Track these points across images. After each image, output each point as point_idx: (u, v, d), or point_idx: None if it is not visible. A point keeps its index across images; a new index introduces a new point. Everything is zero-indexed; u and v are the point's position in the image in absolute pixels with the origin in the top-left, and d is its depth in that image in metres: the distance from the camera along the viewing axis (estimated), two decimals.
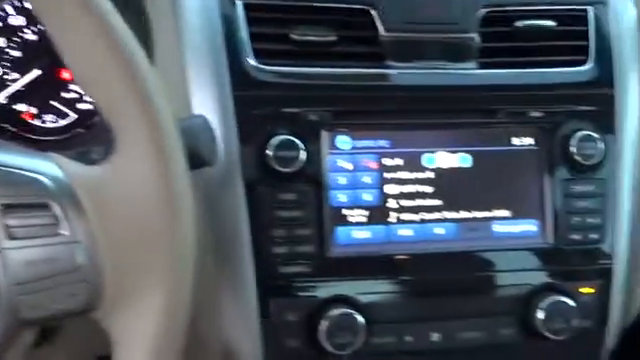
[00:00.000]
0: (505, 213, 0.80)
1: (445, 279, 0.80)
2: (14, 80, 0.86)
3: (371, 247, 0.78)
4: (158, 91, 0.55)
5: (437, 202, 0.79)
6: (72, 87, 0.87)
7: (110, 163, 0.56)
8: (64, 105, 0.87)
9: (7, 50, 0.86)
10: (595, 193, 0.82)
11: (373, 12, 0.79)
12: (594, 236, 0.82)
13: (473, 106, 0.81)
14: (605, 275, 0.83)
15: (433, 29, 0.80)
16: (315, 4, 0.79)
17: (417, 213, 0.79)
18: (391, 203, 0.78)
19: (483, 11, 0.81)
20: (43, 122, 0.87)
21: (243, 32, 0.77)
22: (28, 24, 0.86)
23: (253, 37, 0.77)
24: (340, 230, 0.77)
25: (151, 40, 0.78)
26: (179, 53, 0.77)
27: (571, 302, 0.80)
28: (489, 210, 0.80)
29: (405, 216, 0.79)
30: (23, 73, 0.86)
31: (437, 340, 0.79)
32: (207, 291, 0.76)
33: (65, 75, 0.87)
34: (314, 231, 0.76)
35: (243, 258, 0.75)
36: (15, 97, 0.86)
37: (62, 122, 0.87)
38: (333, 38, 0.78)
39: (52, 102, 0.87)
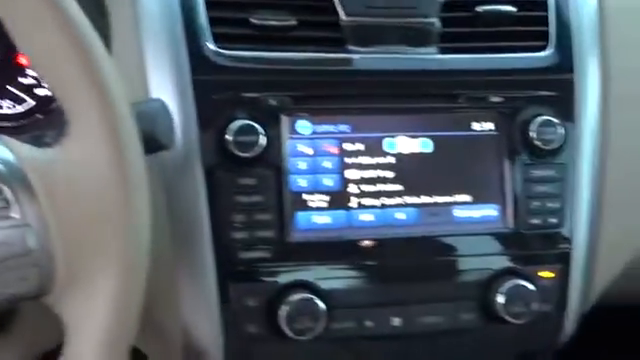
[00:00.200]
0: (466, 198, 0.81)
1: (406, 264, 0.80)
2: None
3: (332, 232, 0.78)
4: (111, 74, 0.55)
5: (398, 187, 0.79)
6: (30, 73, 0.86)
7: (62, 146, 0.55)
8: (21, 91, 0.85)
9: None
10: (555, 178, 0.83)
11: None
12: (553, 220, 0.83)
13: (434, 91, 0.81)
14: (564, 259, 0.84)
15: (393, 14, 0.80)
16: None
17: (378, 198, 0.79)
18: (352, 188, 0.78)
19: None
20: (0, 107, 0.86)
21: (202, 16, 0.76)
22: None
23: (212, 21, 0.76)
24: (300, 215, 0.77)
25: (108, 24, 0.77)
26: (137, 37, 0.76)
27: (531, 286, 0.80)
28: (450, 195, 0.80)
29: (366, 201, 0.79)
30: None
31: (398, 325, 0.79)
32: (166, 277, 0.75)
33: (22, 61, 0.85)
34: (274, 216, 0.76)
35: (202, 243, 0.75)
36: None
37: (19, 108, 0.86)
38: (293, 22, 0.78)
39: (9, 87, 0.85)
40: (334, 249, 0.78)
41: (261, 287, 0.76)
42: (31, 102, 0.86)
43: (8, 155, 0.54)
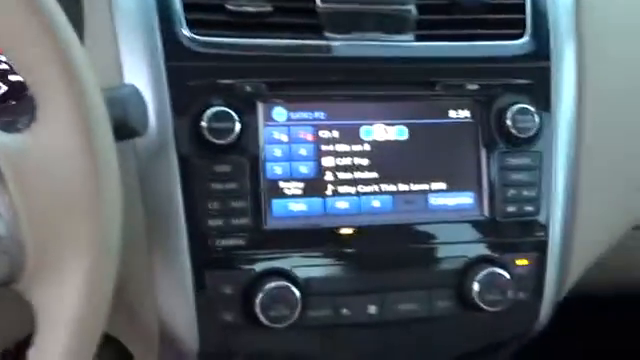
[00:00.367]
0: (441, 186, 0.81)
1: (382, 252, 0.80)
2: None
3: (307, 220, 0.78)
4: (81, 57, 0.54)
5: (374, 175, 0.79)
6: (3, 59, 0.85)
7: (31, 131, 0.54)
8: None
9: None
10: (530, 166, 0.83)
11: None
12: (529, 208, 0.83)
13: (410, 78, 0.81)
14: (540, 247, 0.84)
15: (370, 0, 0.79)
16: None
17: (354, 186, 0.79)
18: (328, 176, 0.78)
19: None
20: None
21: (177, 2, 0.75)
22: None
23: (187, 7, 0.76)
24: (276, 203, 0.77)
25: (81, 8, 0.76)
26: (110, 22, 0.75)
27: (506, 274, 0.80)
28: (425, 183, 0.80)
29: (342, 189, 0.78)
30: None
31: (374, 313, 0.79)
32: (141, 265, 0.75)
33: None
34: (250, 204, 0.75)
35: (177, 231, 0.74)
36: None
37: None
38: (269, 9, 0.77)
39: None
40: (310, 237, 0.78)
41: (237, 275, 0.76)
42: (4, 87, 0.85)
43: None
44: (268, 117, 0.77)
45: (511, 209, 0.82)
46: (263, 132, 0.76)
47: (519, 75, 0.83)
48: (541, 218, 0.84)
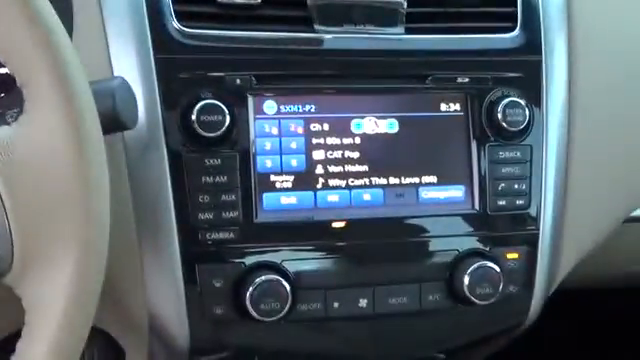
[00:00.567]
0: (432, 179, 0.80)
1: (372, 245, 0.80)
2: None
3: (298, 213, 0.77)
4: (68, 49, 0.54)
5: (364, 168, 0.79)
6: None
7: (18, 123, 0.54)
8: None
9: None
10: (521, 159, 0.83)
11: None
12: (520, 202, 0.83)
13: (400, 72, 0.80)
14: (531, 241, 0.84)
15: None
16: None
17: (344, 179, 0.78)
18: (318, 169, 0.78)
19: None
20: None
21: None
22: None
23: None
24: (266, 196, 0.76)
25: (70, 2, 0.76)
26: (99, 14, 0.74)
27: (497, 267, 0.80)
28: (416, 176, 0.80)
29: (332, 182, 0.78)
30: None
31: (364, 306, 0.79)
32: (131, 258, 0.75)
33: None
34: (240, 197, 0.75)
35: (167, 225, 0.74)
36: None
37: None
38: (259, 1, 0.77)
39: None
40: (300, 230, 0.78)
41: (227, 268, 0.76)
42: None
43: None
44: (258, 110, 0.76)
45: (502, 202, 0.82)
46: (253, 125, 0.76)
47: (510, 68, 0.83)
48: (531, 211, 0.84)
